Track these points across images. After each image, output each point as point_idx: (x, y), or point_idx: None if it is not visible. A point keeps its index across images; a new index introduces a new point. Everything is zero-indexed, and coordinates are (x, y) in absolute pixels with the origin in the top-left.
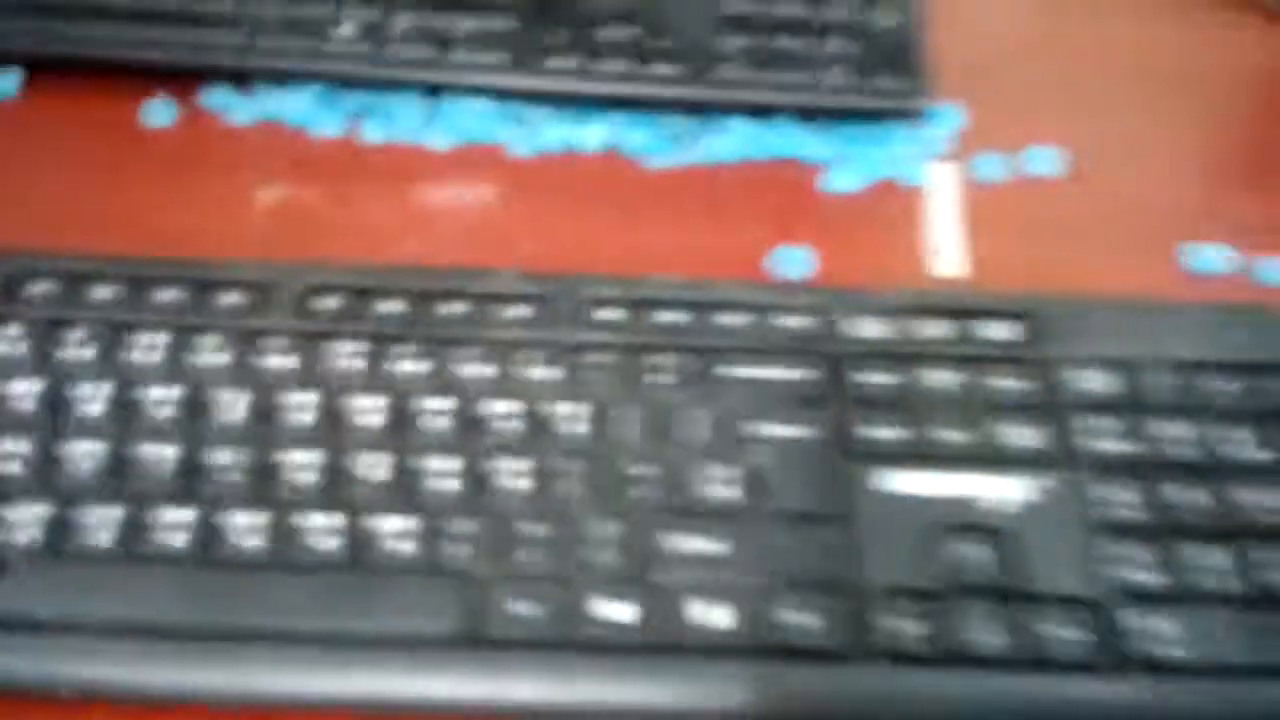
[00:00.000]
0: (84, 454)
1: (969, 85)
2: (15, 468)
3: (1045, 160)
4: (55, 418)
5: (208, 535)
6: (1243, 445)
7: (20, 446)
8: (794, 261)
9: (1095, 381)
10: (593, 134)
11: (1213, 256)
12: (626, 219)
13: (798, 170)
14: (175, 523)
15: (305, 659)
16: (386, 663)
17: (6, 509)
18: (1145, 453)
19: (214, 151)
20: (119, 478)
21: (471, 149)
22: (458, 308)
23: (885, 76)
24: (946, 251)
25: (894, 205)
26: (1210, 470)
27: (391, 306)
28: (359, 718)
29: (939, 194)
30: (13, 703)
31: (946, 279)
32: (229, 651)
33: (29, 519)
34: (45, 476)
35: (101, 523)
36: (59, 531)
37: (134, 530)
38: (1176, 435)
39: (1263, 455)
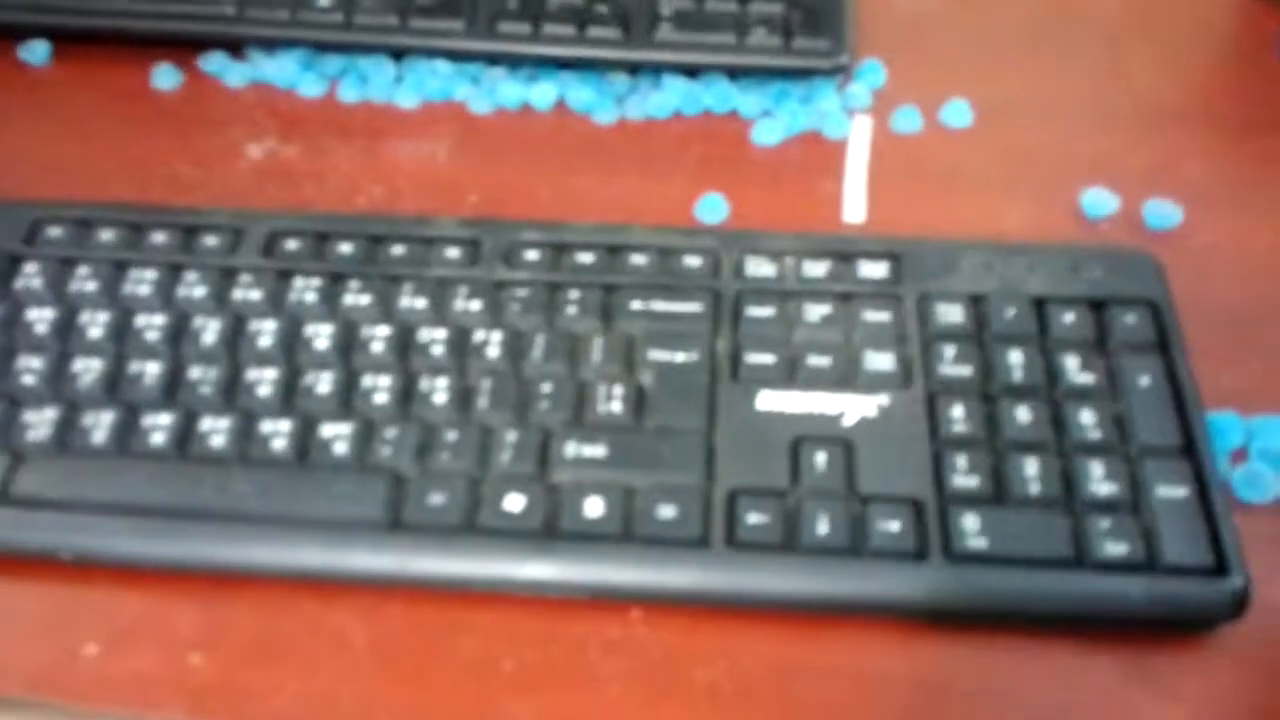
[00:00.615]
0: (86, 369)
1: (890, 42)
2: (31, 380)
3: (957, 113)
4: (64, 340)
5: (183, 435)
6: (1070, 371)
7: (35, 363)
8: (713, 209)
9: (949, 314)
10: (543, 92)
11: (1105, 201)
12: (569, 170)
13: (728, 124)
14: (157, 425)
15: (258, 536)
16: (322, 541)
17: (24, 413)
18: (984, 376)
19: (212, 111)
20: (114, 388)
21: (437, 106)
22: (401, 250)
23: (809, 37)
24: (854, 200)
25: (813, 157)
26: (1037, 391)
27: (345, 249)
28: (299, 585)
29: (856, 146)
30: (26, 563)
31: (851, 226)
32: (197, 529)
33: (41, 421)
34: (55, 387)
35: (99, 424)
36: (65, 431)
37: (125, 430)
38: (1013, 361)
39: (1084, 378)
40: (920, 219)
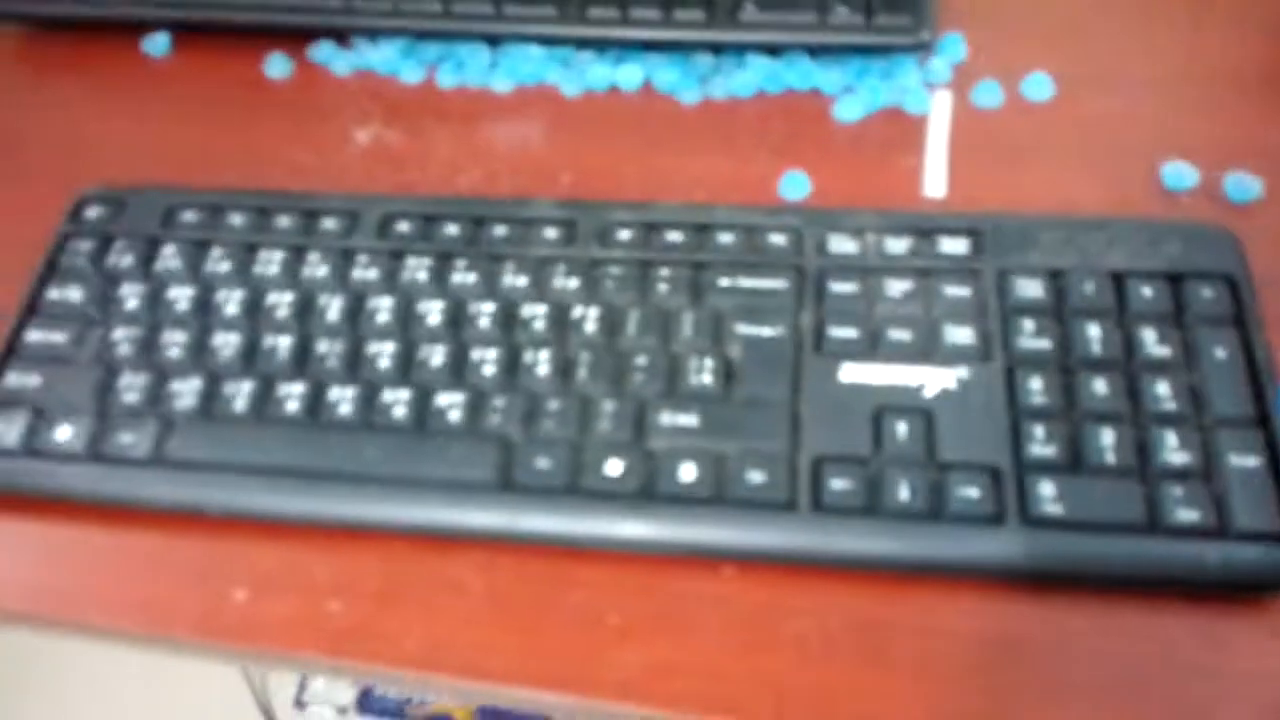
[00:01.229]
0: (225, 343)
1: (970, 16)
2: (176, 353)
3: (1038, 86)
4: (204, 316)
5: (314, 404)
6: (1148, 343)
7: (179, 337)
8: (796, 186)
9: (1028, 288)
10: (630, 74)
11: (1185, 174)
12: (656, 150)
13: (810, 101)
14: (291, 394)
15: (383, 495)
16: (440, 500)
17: (172, 382)
18: (1063, 349)
19: (322, 98)
20: (250, 361)
21: (529, 90)
22: (503, 231)
23: (890, 13)
24: (935, 175)
25: (894, 132)
26: (1114, 363)
27: (452, 230)
28: (420, 539)
29: (937, 121)
30: (179, 517)
31: (932, 201)
32: (329, 488)
33: (187, 390)
34: (198, 359)
35: (239, 393)
36: (209, 399)
37: (262, 399)
38: (1091, 335)
39: (1162, 351)
40: (1001, 193)
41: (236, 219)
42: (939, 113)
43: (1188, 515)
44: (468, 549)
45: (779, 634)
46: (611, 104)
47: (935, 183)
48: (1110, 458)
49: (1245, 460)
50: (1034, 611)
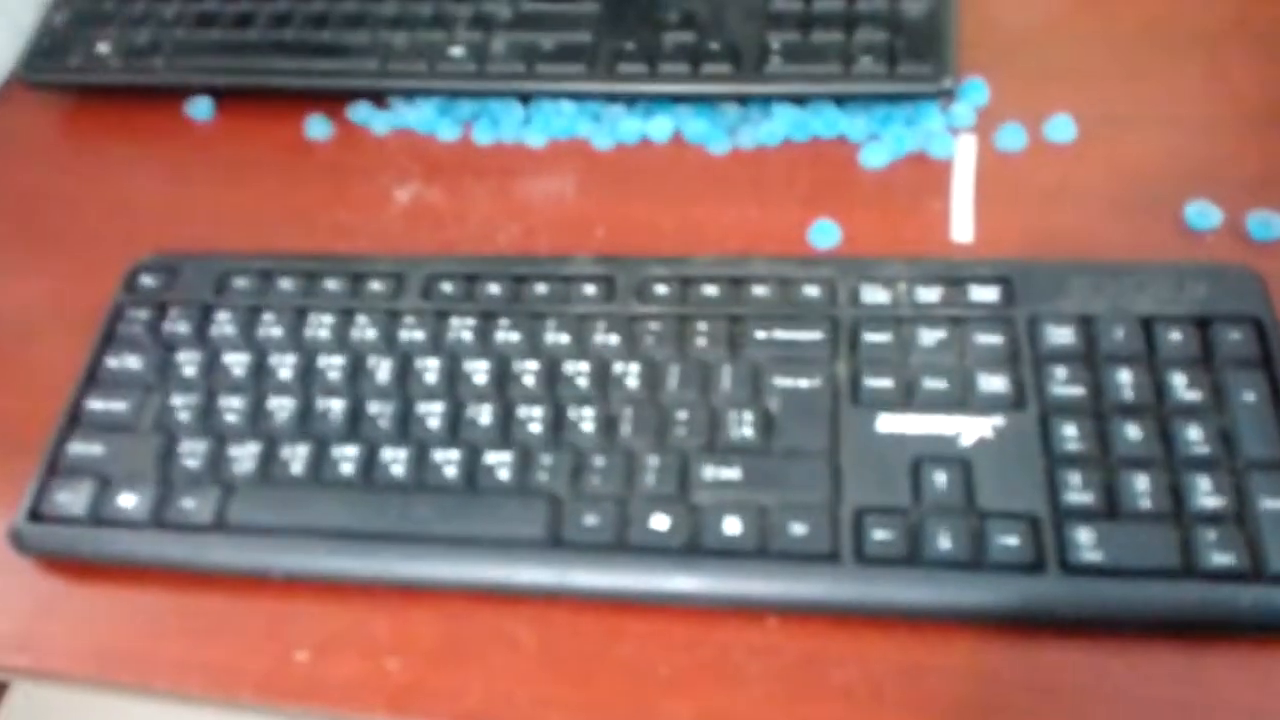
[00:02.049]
0: (280, 407)
1: (993, 60)
2: (233, 418)
3: (1061, 128)
4: (258, 381)
5: (368, 465)
6: (1178, 388)
7: (235, 403)
8: (826, 234)
9: (1060, 336)
10: (660, 126)
11: (1208, 213)
12: (688, 200)
13: (837, 149)
14: (344, 456)
15: (437, 554)
16: (493, 558)
17: (230, 447)
18: (1095, 396)
19: (362, 158)
20: (305, 424)
21: (562, 144)
22: (543, 289)
23: (912, 62)
24: (961, 219)
25: (920, 177)
26: (1146, 408)
27: (494, 289)
28: (475, 596)
29: (962, 165)
30: (243, 581)
31: (959, 245)
32: (385, 548)
33: (246, 455)
34: (254, 424)
35: (295, 456)
36: (267, 463)
37: (317, 462)
38: (1123, 380)
39: (1192, 395)
40: (1027, 235)
41: (286, 284)
42: (963, 157)
43: (1222, 559)
44: (520, 604)
45: (825, 683)
46: (642, 156)
47: (962, 227)
48: (1145, 503)
49: (1277, 502)
50: (1074, 656)
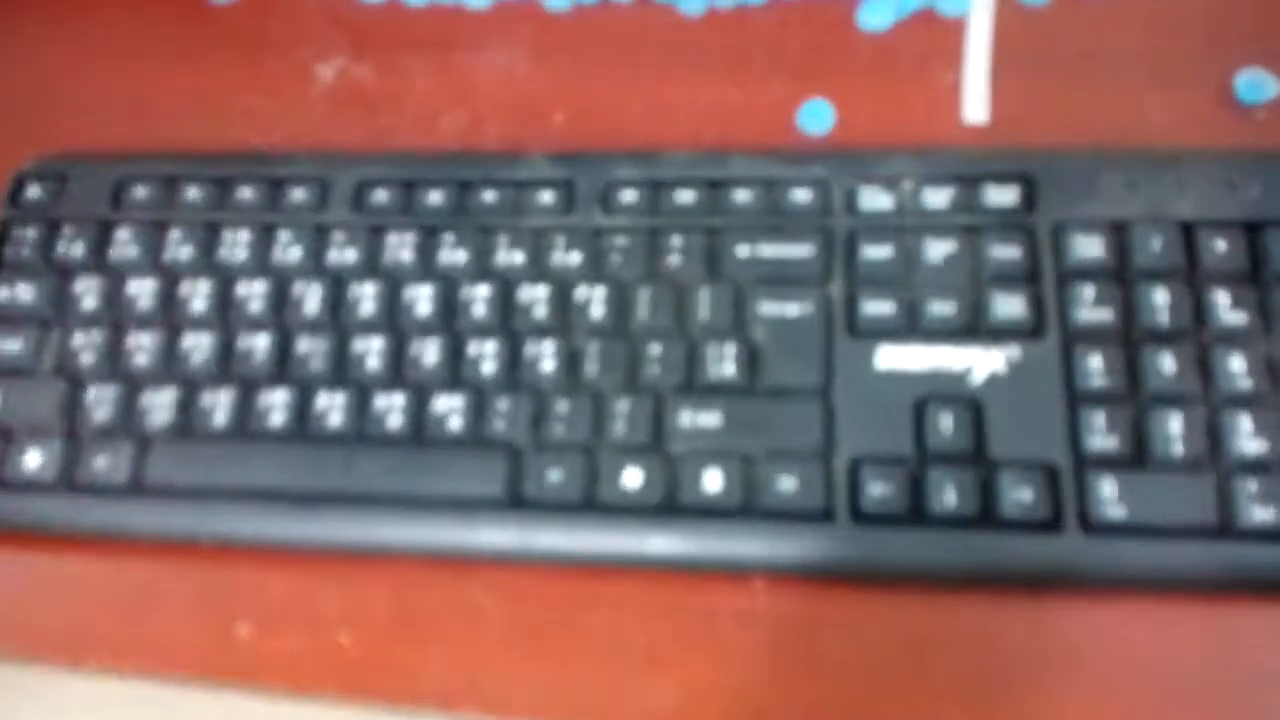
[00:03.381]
0: (196, 345)
1: None
2: (144, 360)
3: None
4: (170, 313)
5: (301, 414)
6: (1220, 309)
7: (145, 340)
8: (818, 116)
9: (1088, 247)
10: None
11: (1263, 83)
12: (658, 77)
13: (831, 6)
14: (274, 404)
15: (387, 516)
16: (449, 520)
17: (144, 395)
18: (1125, 320)
19: (275, 26)
20: (227, 365)
21: (508, 6)
22: (493, 196)
23: None
24: (975, 93)
25: (928, 41)
26: (1183, 334)
27: (435, 198)
28: (432, 562)
29: (977, 25)
30: (170, 548)
31: (972, 128)
32: (328, 511)
33: (161, 403)
34: (169, 366)
35: (217, 404)
36: (186, 413)
37: (243, 411)
38: (1158, 302)
39: (1236, 318)
40: (1050, 113)
41: (194, 193)
42: (979, 15)
43: (1263, 514)
44: (482, 570)
45: (818, 653)
46: (603, 19)
47: (976, 104)
48: (1178, 448)
49: None
50: (1093, 620)
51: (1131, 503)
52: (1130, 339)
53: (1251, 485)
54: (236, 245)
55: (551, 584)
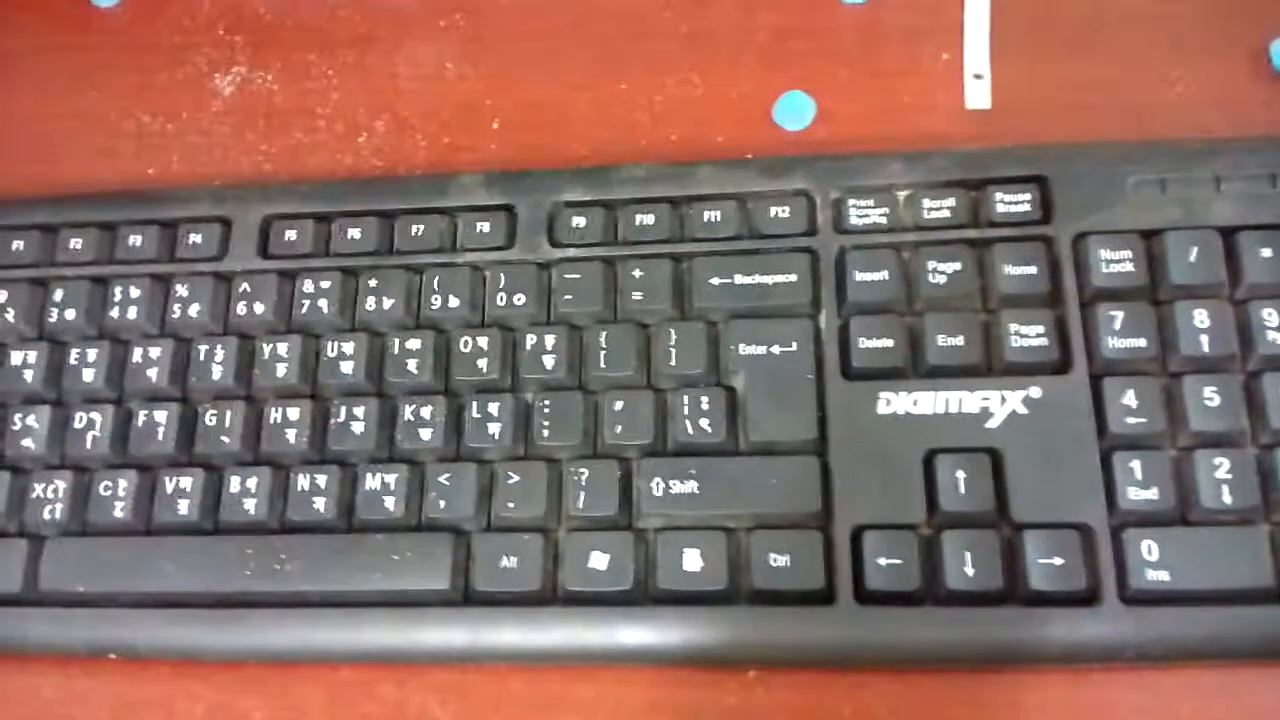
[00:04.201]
0: (89, 423)
1: None
2: (32, 443)
3: None
4: (58, 386)
5: (212, 500)
6: (1270, 330)
7: (32, 420)
8: (797, 110)
9: (1116, 262)
10: None
11: None
12: (608, 67)
13: None
14: (181, 489)
15: (315, 620)
16: (387, 621)
17: (34, 484)
18: (1162, 346)
19: (166, 30)
20: (124, 444)
21: None
22: (422, 229)
23: None
24: (977, 72)
25: (918, 14)
26: (1228, 361)
27: (354, 234)
28: (372, 667)
29: None
30: (76, 659)
31: (975, 115)
32: (248, 617)
33: (53, 494)
34: (60, 448)
35: (116, 492)
36: (81, 504)
37: (146, 498)
38: (1198, 324)
39: None
40: (1062, 94)
41: (78, 243)
42: None
43: None
44: (430, 673)
45: None
46: (544, 4)
47: (977, 87)
48: (1226, 497)
49: None
50: (1140, 697)
51: (1176, 566)
52: (1168, 370)
53: None
54: (128, 304)
55: (510, 687)
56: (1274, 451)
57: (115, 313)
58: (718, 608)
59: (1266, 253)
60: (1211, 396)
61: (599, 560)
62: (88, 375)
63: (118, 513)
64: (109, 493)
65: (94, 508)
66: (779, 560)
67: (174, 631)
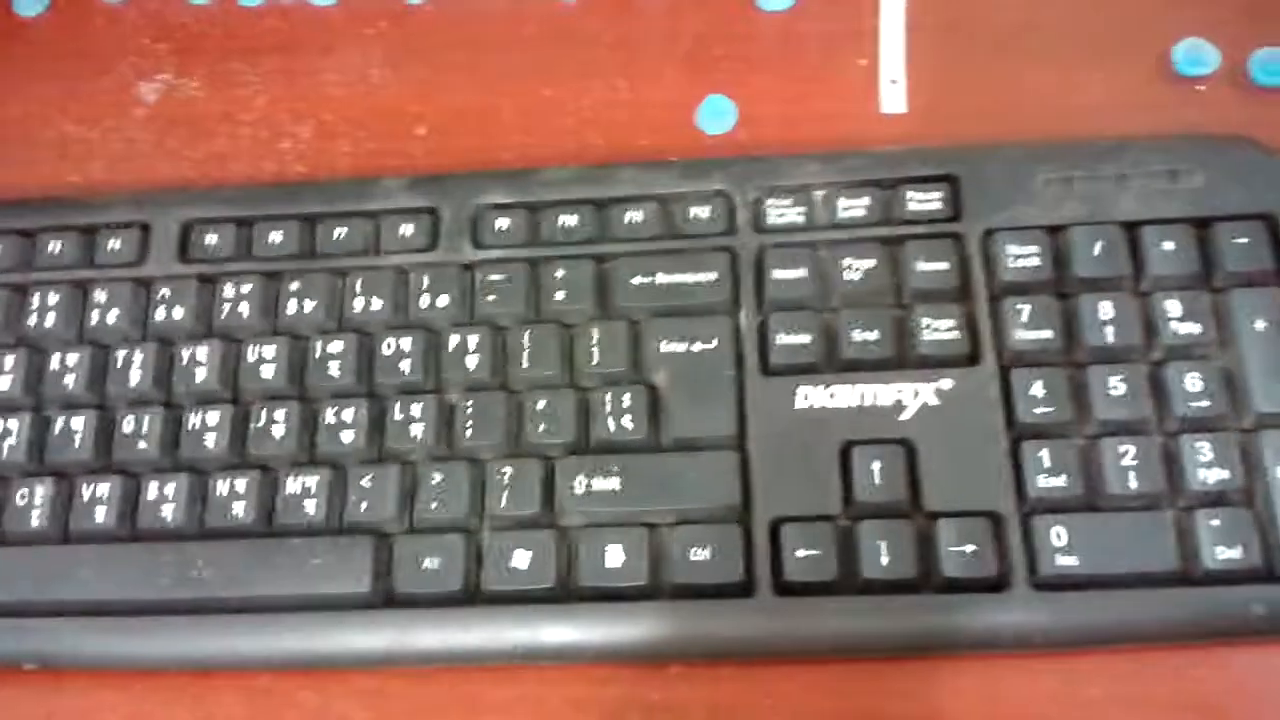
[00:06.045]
0: (5, 431)
1: None
2: None
3: None
4: None
5: (130, 507)
6: (1172, 321)
7: None
8: (718, 115)
9: (1023, 257)
10: None
11: (1203, 55)
12: (534, 74)
13: None
14: (98, 497)
15: (233, 626)
16: (307, 626)
17: None
18: (1068, 339)
19: (91, 39)
20: (41, 452)
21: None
22: (344, 231)
23: None
24: (892, 78)
25: (835, 19)
26: (1132, 352)
27: (275, 238)
28: (291, 673)
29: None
30: None
31: (890, 119)
32: (165, 623)
33: None
34: None
35: (32, 500)
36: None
37: (63, 506)
38: (1103, 315)
39: (1189, 329)
40: (976, 98)
41: None
42: None
43: (1227, 554)
44: (352, 678)
45: None
46: (468, 11)
47: (893, 91)
48: (1132, 483)
49: None
50: (1051, 684)
51: (1085, 551)
52: (1074, 360)
53: (1213, 521)
54: (46, 311)
55: (432, 689)
56: (1178, 438)
57: (33, 320)
58: (639, 603)
59: (1168, 246)
60: (1117, 385)
61: (521, 559)
62: (3, 383)
63: (34, 521)
64: (25, 501)
65: (9, 516)
66: (699, 554)
67: (91, 641)
